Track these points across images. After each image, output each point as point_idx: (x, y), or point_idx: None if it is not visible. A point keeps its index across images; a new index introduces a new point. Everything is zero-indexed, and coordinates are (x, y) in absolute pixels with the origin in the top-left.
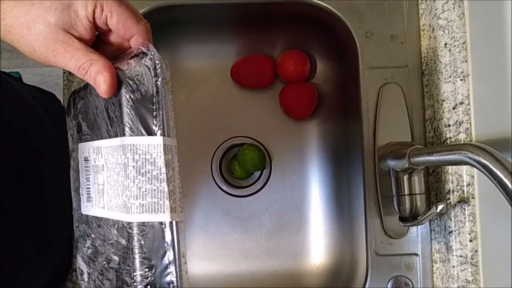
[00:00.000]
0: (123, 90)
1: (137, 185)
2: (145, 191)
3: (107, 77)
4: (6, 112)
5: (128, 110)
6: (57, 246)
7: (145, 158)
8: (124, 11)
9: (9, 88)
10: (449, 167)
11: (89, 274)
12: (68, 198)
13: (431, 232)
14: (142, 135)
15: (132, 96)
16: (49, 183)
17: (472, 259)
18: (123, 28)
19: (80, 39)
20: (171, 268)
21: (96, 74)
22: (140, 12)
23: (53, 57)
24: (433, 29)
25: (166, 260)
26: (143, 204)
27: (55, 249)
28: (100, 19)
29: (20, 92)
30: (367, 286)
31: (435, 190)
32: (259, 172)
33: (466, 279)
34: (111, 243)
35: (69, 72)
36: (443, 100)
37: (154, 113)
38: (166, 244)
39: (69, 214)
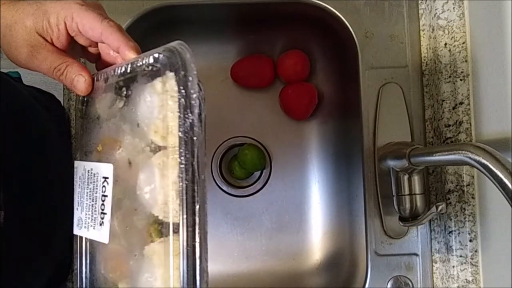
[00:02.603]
0: None
1: None
2: None
3: (87, 77)
4: (10, 112)
5: None
6: (58, 247)
7: None
8: (89, 14)
9: (12, 88)
10: (449, 167)
11: None
12: (68, 197)
13: (431, 232)
14: None
15: None
16: (50, 183)
17: (472, 259)
18: (90, 30)
19: (53, 45)
20: None
21: (75, 75)
22: (140, 12)
23: (25, 58)
24: (433, 29)
25: None
26: None
27: (56, 250)
28: (72, 28)
29: (23, 93)
30: (367, 286)
31: (435, 190)
32: (259, 172)
33: (466, 279)
34: None
35: None
36: (443, 100)
37: None
38: None
39: (69, 214)
